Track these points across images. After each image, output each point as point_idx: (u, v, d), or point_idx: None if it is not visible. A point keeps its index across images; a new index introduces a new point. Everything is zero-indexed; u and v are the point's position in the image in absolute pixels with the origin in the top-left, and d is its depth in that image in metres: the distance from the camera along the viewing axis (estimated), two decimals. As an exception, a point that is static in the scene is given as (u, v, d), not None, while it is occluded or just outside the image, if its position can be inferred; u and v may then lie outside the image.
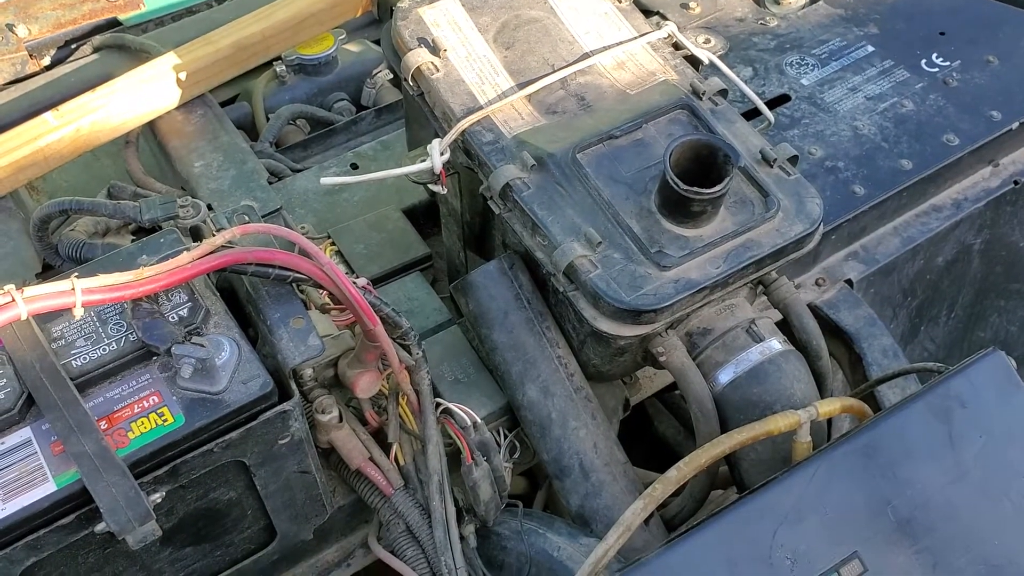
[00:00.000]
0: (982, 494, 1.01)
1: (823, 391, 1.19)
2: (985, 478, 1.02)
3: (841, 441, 1.00)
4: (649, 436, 1.75)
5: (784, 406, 1.07)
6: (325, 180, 1.17)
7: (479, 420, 1.13)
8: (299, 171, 1.58)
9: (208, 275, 1.06)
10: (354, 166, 1.56)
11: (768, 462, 1.10)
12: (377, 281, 1.35)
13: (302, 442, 1.02)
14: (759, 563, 0.94)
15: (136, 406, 0.95)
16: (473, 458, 1.11)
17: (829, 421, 1.48)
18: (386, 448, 1.16)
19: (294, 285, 1.16)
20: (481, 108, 1.19)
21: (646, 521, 1.16)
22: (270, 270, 0.99)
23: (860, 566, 0.95)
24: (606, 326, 1.09)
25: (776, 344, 1.13)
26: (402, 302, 1.32)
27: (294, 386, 0.99)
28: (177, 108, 1.51)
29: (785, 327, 1.20)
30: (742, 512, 0.96)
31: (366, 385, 1.09)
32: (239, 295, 1.07)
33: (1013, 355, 1.93)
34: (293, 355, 0.98)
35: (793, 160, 1.18)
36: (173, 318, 0.98)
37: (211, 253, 0.98)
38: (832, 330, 1.46)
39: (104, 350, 0.96)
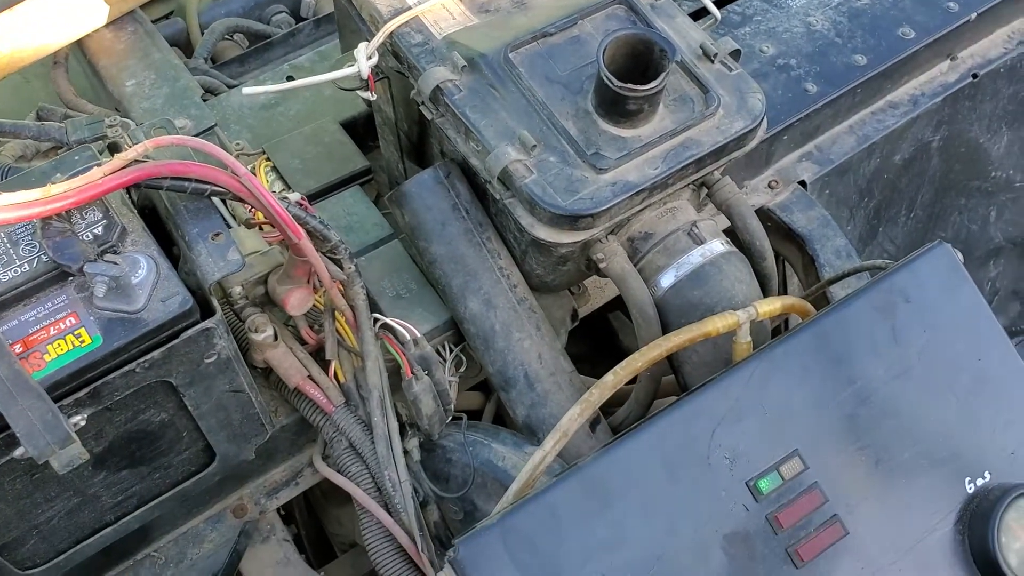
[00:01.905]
0: (925, 389, 1.00)
1: (768, 292, 1.16)
2: (928, 372, 1.00)
3: (781, 340, 0.98)
4: (615, 349, 1.74)
5: (725, 308, 1.05)
6: (248, 90, 1.13)
7: (419, 335, 1.11)
8: (235, 87, 1.52)
9: (129, 193, 1.03)
10: (290, 78, 1.50)
11: (710, 364, 1.09)
12: (315, 196, 1.31)
13: (230, 361, 0.99)
14: (697, 463, 0.93)
15: (52, 328, 0.91)
16: (413, 372, 1.09)
17: (786, 324, 1.48)
18: (325, 366, 1.13)
19: (225, 201, 1.14)
20: (409, 8, 1.13)
21: (592, 428, 1.15)
22: (186, 184, 0.95)
23: (800, 464, 0.94)
24: (544, 233, 1.05)
25: (718, 246, 1.10)
26: (341, 217, 1.28)
27: (216, 303, 0.96)
28: (107, 26, 1.45)
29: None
30: (680, 413, 0.95)
31: (297, 302, 1.06)
32: (160, 213, 1.03)
33: (975, 254, 1.92)
34: (212, 270, 0.95)
35: (735, 55, 1.14)
36: (87, 236, 0.94)
37: (124, 168, 0.93)
38: (785, 233, 1.44)
39: (16, 272, 0.93)
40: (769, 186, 1.46)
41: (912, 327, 1.01)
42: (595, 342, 1.78)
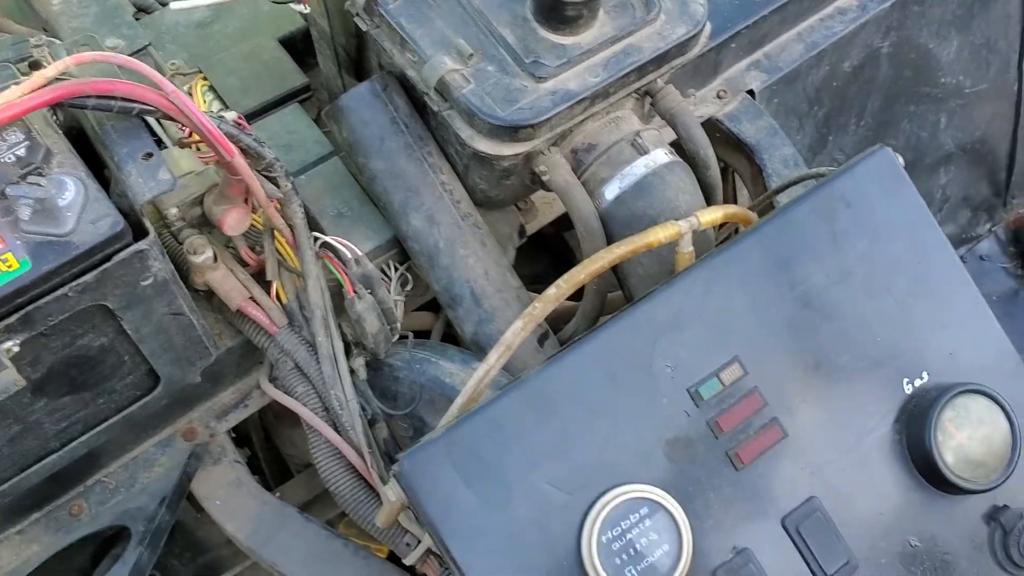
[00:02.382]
0: (865, 292, 1.00)
1: (713, 203, 1.16)
2: (868, 276, 1.01)
3: (723, 248, 0.98)
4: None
5: (669, 218, 1.04)
6: (175, 5, 1.09)
7: (360, 253, 1.09)
8: (168, 4, 1.47)
9: (54, 113, 0.99)
10: (225, -7, 1.45)
11: (655, 276, 1.09)
12: (254, 115, 1.28)
13: (167, 283, 0.97)
14: (639, 373, 0.93)
15: (-23, 253, 0.89)
16: (355, 291, 1.08)
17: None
18: (268, 287, 1.12)
19: (157, 120, 1.11)
20: (340, -84, 1.09)
21: (540, 343, 1.16)
22: (112, 102, 0.92)
23: (740, 369, 0.95)
24: (484, 146, 1.04)
25: (661, 156, 1.09)
26: (281, 135, 1.25)
27: (149, 224, 0.94)
28: (29, -60, 1.38)
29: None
30: (622, 324, 0.95)
31: (233, 222, 1.04)
32: (88, 134, 1.00)
33: (925, 161, 1.93)
34: (143, 191, 0.92)
35: (677, -41, 1.11)
36: (8, 159, 0.91)
37: (44, 87, 0.90)
38: (734, 143, 1.43)
39: (-65, 197, 0.90)
40: (718, 96, 1.45)
41: (853, 232, 1.01)
42: (554, 261, 1.78)
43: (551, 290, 0.96)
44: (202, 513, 1.21)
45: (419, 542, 1.08)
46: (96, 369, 1.03)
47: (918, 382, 1.00)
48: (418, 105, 1.13)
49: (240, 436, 1.52)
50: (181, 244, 1.06)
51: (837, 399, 0.98)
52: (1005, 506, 0.99)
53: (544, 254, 1.72)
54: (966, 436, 0.97)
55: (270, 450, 1.59)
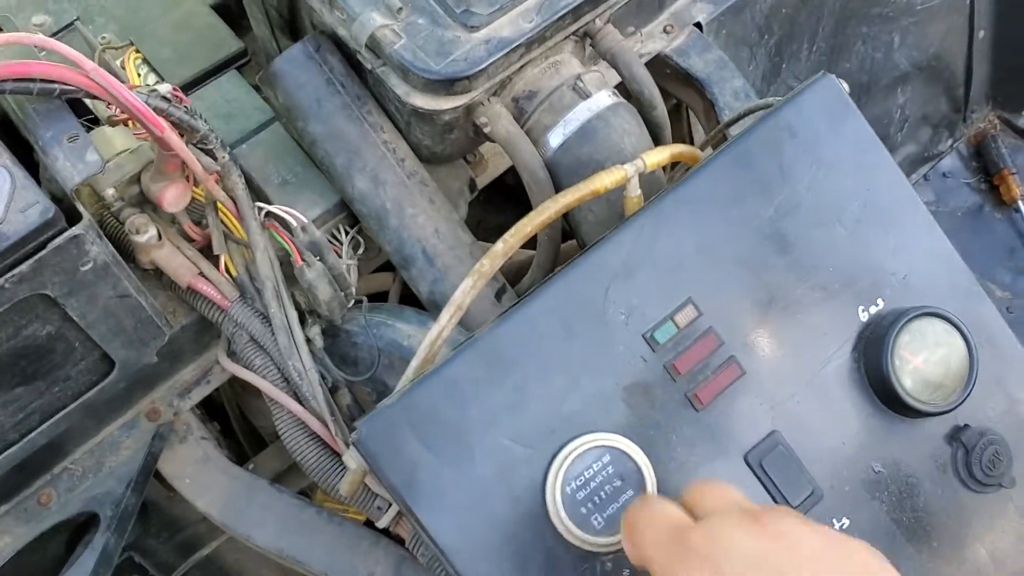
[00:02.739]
0: (815, 223, 1.00)
1: (661, 143, 1.15)
2: (817, 206, 1.00)
3: (669, 190, 0.97)
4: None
5: (615, 162, 1.03)
6: (92, -24, 1.05)
7: (306, 221, 1.08)
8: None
9: (-26, 101, 0.97)
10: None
11: (606, 222, 1.08)
12: (191, 85, 1.24)
13: (108, 266, 0.96)
14: (593, 322, 0.93)
15: (-96, 251, 0.87)
16: (304, 259, 1.06)
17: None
18: (217, 261, 1.10)
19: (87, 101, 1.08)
20: None
21: (498, 298, 1.15)
22: (30, 84, 0.89)
23: (694, 311, 0.95)
24: (421, 101, 1.02)
25: (604, 98, 1.07)
26: (220, 104, 1.22)
27: (82, 208, 0.92)
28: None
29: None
30: (571, 275, 0.94)
31: (173, 198, 1.02)
32: (12, 119, 0.97)
33: (881, 83, 1.91)
34: (71, 175, 0.90)
35: None
36: (-72, 152, 0.88)
37: (-44, 74, 0.87)
38: (684, 79, 1.41)
39: None
40: (664, 31, 1.42)
41: (799, 162, 1.00)
42: (518, 211, 1.76)
43: (499, 245, 0.95)
44: (174, 492, 1.20)
45: (390, 505, 1.08)
46: (46, 358, 1.01)
47: (873, 309, 1.00)
48: (353, 63, 1.10)
49: (216, 408, 1.51)
50: (123, 224, 1.04)
51: (793, 332, 0.98)
52: (966, 425, 1.00)
53: (509, 204, 1.70)
54: (923, 359, 0.98)
55: (245, 421, 1.58)
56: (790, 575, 0.65)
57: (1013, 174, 2.14)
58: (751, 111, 1.20)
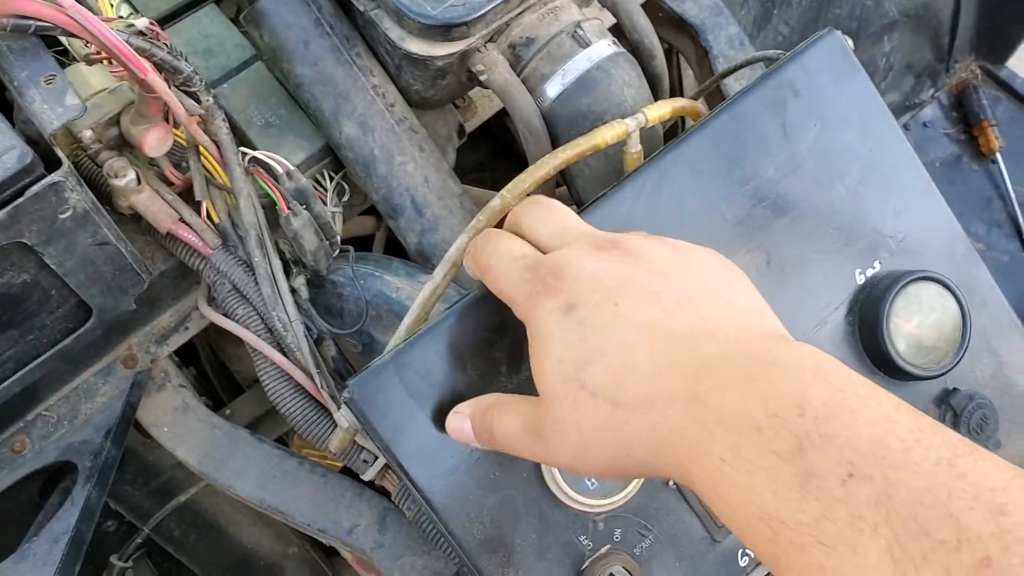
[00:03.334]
0: (816, 184, 0.98)
1: (659, 94, 1.12)
2: (819, 167, 0.98)
3: (671, 147, 0.94)
4: (514, 155, 1.69)
5: (615, 115, 1.00)
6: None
7: (292, 167, 1.04)
8: None
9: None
10: None
11: (602, 176, 1.05)
12: (167, 19, 1.18)
13: (88, 213, 0.92)
14: (590, 282, 0.91)
15: None
16: (290, 208, 1.03)
17: (682, 123, 1.44)
18: (199, 207, 1.06)
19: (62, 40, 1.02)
20: None
21: (487, 249, 1.12)
22: (4, 20, 0.84)
23: (693, 272, 0.93)
24: (416, 46, 0.98)
25: (605, 47, 1.04)
26: (198, 41, 1.17)
27: (61, 154, 0.87)
28: None
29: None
30: (571, 233, 0.91)
31: (154, 142, 0.98)
32: (-16, 57, 0.92)
33: (870, 30, 1.89)
34: (49, 119, 0.85)
35: None
36: None
37: (-75, 7, 0.82)
38: (677, 24, 1.38)
39: None
40: (658, -26, 1.38)
41: (802, 122, 0.98)
42: (494, 149, 1.73)
43: (495, 201, 0.92)
44: (150, 439, 1.18)
45: (376, 458, 1.07)
46: (22, 306, 0.97)
47: (870, 272, 0.99)
48: (342, 3, 1.06)
49: (189, 354, 1.49)
50: (100, 167, 1.00)
51: (789, 293, 0.97)
52: (955, 389, 1.01)
53: (484, 141, 1.67)
54: (917, 324, 0.97)
55: (220, 365, 1.55)
56: (640, 283, 0.68)
57: (993, 126, 2.14)
58: (748, 62, 1.17)
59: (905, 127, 2.16)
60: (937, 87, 2.16)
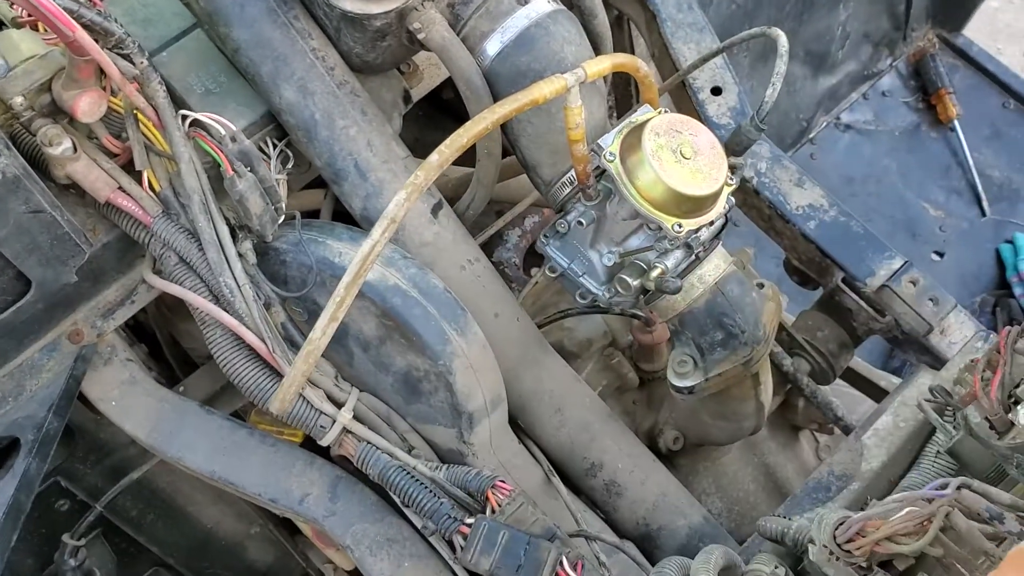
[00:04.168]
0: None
1: (602, 53, 1.11)
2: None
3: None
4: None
5: (556, 72, 0.99)
6: None
7: (235, 129, 1.02)
8: None
9: None
10: None
11: (545, 135, 1.05)
12: (104, -12, 1.17)
13: (19, 179, 0.90)
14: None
15: None
16: (235, 170, 1.01)
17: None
18: (139, 177, 1.05)
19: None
20: None
21: (434, 213, 1.11)
22: (-77, -20, 0.83)
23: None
24: (351, 4, 0.97)
25: (543, 4, 1.03)
26: (136, 9, 1.15)
27: (-14, 118, 0.86)
28: None
29: None
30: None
31: (87, 107, 0.96)
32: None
33: (824, -1, 1.87)
34: (-29, 81, 0.84)
35: None
36: None
37: None
38: (626, -11, 1.37)
39: None
40: (606, -61, 1.37)
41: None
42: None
43: (433, 156, 0.92)
44: (101, 415, 1.17)
45: (334, 422, 1.06)
46: (-44, 277, 0.96)
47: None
48: (280, -35, 1.04)
49: (144, 333, 1.47)
50: (34, 135, 0.98)
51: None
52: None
53: (448, 119, 1.66)
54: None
55: (175, 344, 1.54)
56: None
57: (950, 93, 2.15)
58: (716, 53, 1.17)
59: (864, 96, 2.17)
60: (895, 56, 2.16)
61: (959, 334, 1.18)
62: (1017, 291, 2.02)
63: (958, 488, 0.81)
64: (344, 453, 1.10)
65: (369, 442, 1.07)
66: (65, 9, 0.88)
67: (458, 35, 1.03)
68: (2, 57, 0.85)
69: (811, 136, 2.14)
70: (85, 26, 0.90)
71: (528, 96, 0.94)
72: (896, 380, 1.54)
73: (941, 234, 2.06)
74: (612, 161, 0.97)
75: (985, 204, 2.10)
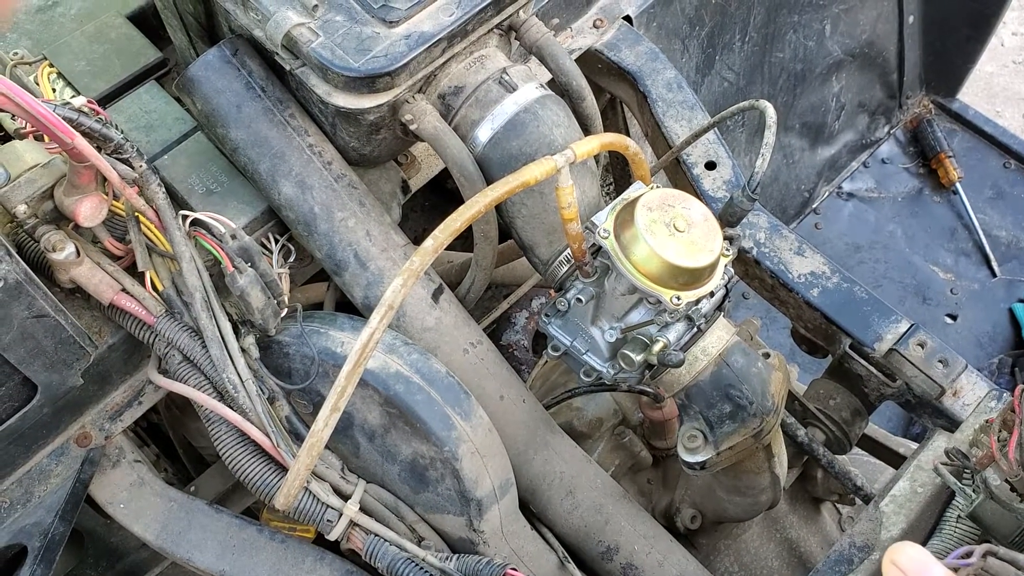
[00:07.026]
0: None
1: (592, 134, 1.13)
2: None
3: None
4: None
5: (546, 154, 1.01)
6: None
7: (235, 226, 1.04)
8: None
9: None
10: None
11: (540, 216, 1.06)
12: (108, 99, 1.21)
13: (22, 285, 0.92)
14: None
15: None
16: (235, 266, 1.02)
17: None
18: (143, 277, 1.06)
19: None
20: None
21: (435, 298, 1.12)
22: (-73, 97, 0.85)
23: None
24: (343, 100, 0.99)
25: (531, 91, 1.05)
26: (139, 116, 1.19)
27: (-11, 227, 0.88)
28: None
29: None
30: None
31: (88, 212, 0.98)
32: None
33: (816, 71, 1.92)
34: (-28, 191, 0.86)
35: None
36: None
37: None
38: (616, 72, 1.40)
39: None
40: (594, 25, 1.41)
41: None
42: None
43: (428, 242, 0.92)
44: (111, 519, 1.16)
45: (340, 515, 1.05)
46: (-38, 385, 0.97)
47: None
48: (274, 67, 1.08)
49: (156, 432, 1.47)
50: (38, 242, 1.00)
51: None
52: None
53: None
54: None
55: (188, 445, 1.53)
56: None
57: (949, 157, 2.17)
58: (709, 127, 1.19)
59: (864, 165, 2.18)
60: (892, 124, 2.19)
61: (972, 395, 1.16)
62: (1035, 350, 2.00)
63: (984, 556, 0.79)
64: (352, 547, 1.08)
65: (377, 535, 1.05)
66: (64, 118, 0.91)
67: (450, 124, 1.05)
68: (3, 167, 0.87)
69: (814, 206, 2.15)
70: (84, 133, 0.93)
71: (519, 178, 0.95)
72: (915, 446, 1.51)
73: (952, 297, 2.05)
74: (607, 237, 0.97)
75: (995, 264, 2.10)
